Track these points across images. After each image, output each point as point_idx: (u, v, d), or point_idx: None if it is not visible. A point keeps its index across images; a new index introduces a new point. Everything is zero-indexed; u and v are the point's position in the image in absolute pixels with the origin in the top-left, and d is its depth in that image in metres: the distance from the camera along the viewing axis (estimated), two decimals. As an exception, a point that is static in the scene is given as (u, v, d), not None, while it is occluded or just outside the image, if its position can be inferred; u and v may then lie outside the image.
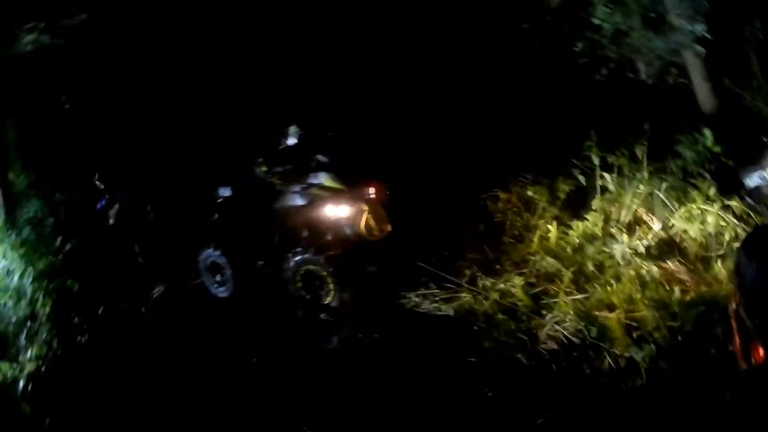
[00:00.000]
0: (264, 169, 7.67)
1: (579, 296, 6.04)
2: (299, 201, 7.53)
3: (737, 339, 4.72)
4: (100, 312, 7.47)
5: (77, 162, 9.60)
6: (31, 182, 9.15)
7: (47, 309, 6.91)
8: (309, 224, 7.48)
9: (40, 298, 6.98)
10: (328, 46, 9.84)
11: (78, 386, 5.93)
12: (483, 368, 5.58)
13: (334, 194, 7.38)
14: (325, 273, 7.19)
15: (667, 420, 4.56)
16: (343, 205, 7.31)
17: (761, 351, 4.53)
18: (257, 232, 7.80)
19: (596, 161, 7.02)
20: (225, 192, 8.09)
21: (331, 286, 7.17)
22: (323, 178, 7.44)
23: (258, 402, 5.59)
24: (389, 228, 7.34)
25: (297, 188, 7.52)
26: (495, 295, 6.41)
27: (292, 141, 7.77)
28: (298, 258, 7.29)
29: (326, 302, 7.21)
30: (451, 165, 8.50)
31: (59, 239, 8.21)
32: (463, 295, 6.63)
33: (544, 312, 6.05)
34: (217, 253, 7.98)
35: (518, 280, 6.46)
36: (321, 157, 7.59)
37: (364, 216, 7.19)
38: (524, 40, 9.08)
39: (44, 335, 6.57)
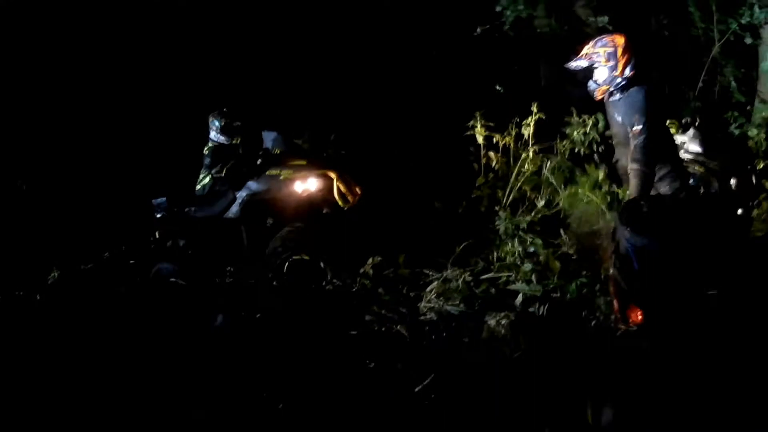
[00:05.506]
0: (204, 178, 6.95)
1: (461, 270, 5.95)
2: (260, 190, 6.85)
3: (615, 302, 4.70)
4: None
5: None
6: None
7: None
8: (280, 210, 6.81)
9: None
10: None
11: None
12: (363, 341, 5.41)
13: (297, 170, 6.80)
14: (316, 258, 6.51)
15: (541, 385, 4.49)
16: (310, 178, 6.75)
17: (639, 313, 4.52)
18: (215, 240, 6.98)
19: (480, 140, 6.95)
20: (160, 203, 7.06)
21: (328, 271, 6.47)
22: (280, 158, 6.89)
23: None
24: (359, 191, 6.81)
25: (254, 179, 6.85)
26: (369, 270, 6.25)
27: (216, 135, 7.03)
28: (278, 248, 6.57)
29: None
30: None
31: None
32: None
33: (424, 285, 5.94)
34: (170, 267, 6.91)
35: (401, 256, 6.32)
36: (267, 142, 7.02)
37: (335, 184, 6.69)
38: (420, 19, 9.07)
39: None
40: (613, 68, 5.35)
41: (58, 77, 9.02)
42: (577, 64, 5.52)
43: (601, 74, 5.43)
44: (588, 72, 5.55)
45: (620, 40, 5.41)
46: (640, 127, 5.18)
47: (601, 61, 5.39)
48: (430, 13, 9.00)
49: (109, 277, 7.54)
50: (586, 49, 5.49)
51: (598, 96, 5.50)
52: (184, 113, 8.59)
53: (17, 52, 8.88)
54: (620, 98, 5.39)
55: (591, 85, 5.51)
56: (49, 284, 7.42)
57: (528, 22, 8.50)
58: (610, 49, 5.37)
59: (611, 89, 5.40)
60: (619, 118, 5.40)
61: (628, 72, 5.32)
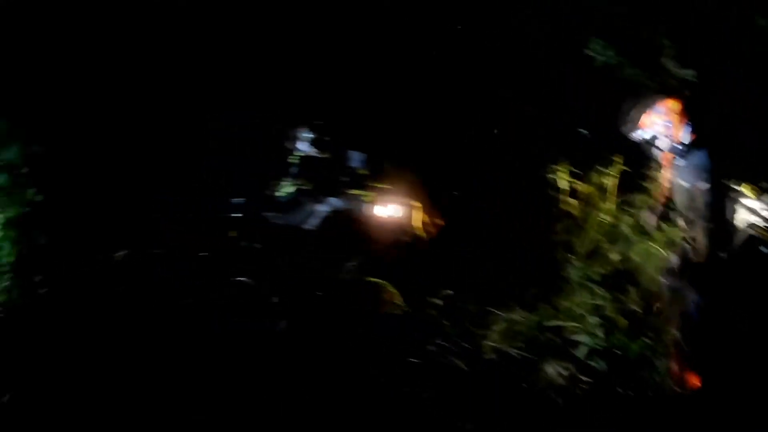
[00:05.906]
0: (287, 185, 7.08)
1: (527, 314, 6.02)
2: (342, 208, 6.96)
3: (675, 365, 4.74)
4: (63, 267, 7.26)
5: (60, 114, 9.27)
6: (10, 128, 8.79)
7: (12, 258, 6.73)
8: (358, 230, 6.92)
9: (6, 246, 6.82)
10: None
11: (34, 338, 5.78)
12: (423, 370, 5.53)
13: (381, 193, 6.93)
14: (386, 284, 6.55)
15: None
16: (393, 204, 6.86)
17: (696, 379, 4.55)
18: (290, 248, 7.04)
19: (564, 186, 6.99)
20: (239, 203, 7.16)
21: (397, 300, 6.51)
22: (366, 179, 7.02)
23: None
24: (441, 223, 6.96)
25: (334, 197, 6.98)
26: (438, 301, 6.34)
27: (305, 147, 7.17)
28: (351, 269, 6.66)
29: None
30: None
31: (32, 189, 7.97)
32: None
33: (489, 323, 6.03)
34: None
35: (470, 292, 6.41)
36: (353, 161, 7.14)
37: (417, 212, 6.83)
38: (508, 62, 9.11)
39: (5, 283, 6.42)
40: (672, 135, 5.38)
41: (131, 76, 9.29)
42: (637, 134, 5.55)
43: (661, 142, 5.45)
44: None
45: (675, 105, 5.43)
46: (702, 186, 5.19)
47: (660, 130, 5.42)
48: (520, 51, 9.03)
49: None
50: (644, 118, 5.51)
51: (663, 163, 5.52)
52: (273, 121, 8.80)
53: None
54: (682, 163, 5.40)
55: (654, 152, 5.53)
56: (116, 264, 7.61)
57: (616, 69, 8.50)
58: (666, 117, 5.40)
59: (674, 155, 5.41)
60: (683, 183, 5.41)
61: (686, 137, 5.34)
